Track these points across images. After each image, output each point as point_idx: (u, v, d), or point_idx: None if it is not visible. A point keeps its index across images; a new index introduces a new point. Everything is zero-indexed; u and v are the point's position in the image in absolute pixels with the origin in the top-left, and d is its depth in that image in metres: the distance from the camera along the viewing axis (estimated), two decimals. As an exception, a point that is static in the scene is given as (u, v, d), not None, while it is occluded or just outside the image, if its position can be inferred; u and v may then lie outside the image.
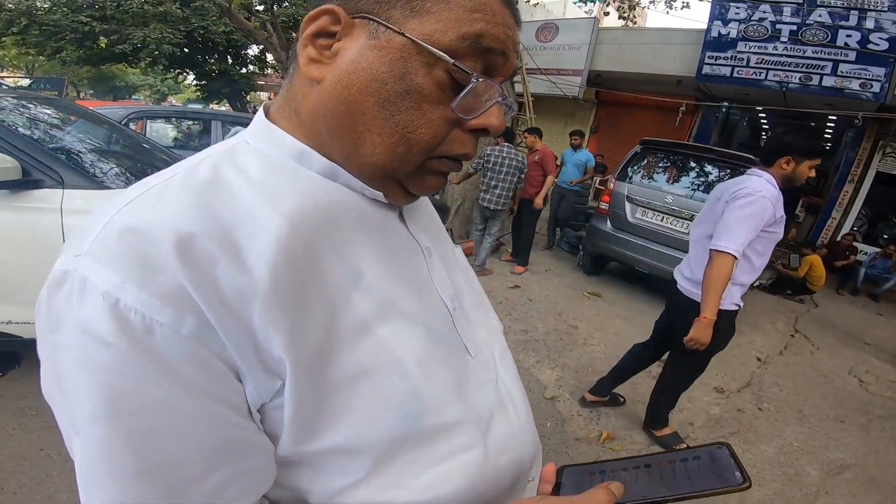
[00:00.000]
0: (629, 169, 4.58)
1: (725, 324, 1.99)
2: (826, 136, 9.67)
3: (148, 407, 0.29)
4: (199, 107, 14.79)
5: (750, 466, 2.34)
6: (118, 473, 0.30)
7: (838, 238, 7.08)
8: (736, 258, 1.68)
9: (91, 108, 3.75)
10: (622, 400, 2.69)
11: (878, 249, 6.78)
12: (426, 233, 0.48)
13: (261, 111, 0.42)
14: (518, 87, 6.58)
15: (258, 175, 0.36)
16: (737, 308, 1.97)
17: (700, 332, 1.81)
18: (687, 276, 2.05)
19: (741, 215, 1.68)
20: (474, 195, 4.67)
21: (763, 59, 7.40)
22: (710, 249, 1.74)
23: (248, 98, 16.17)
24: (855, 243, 6.85)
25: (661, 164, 4.53)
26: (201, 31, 12.35)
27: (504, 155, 4.04)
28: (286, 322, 0.32)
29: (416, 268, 0.43)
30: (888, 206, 8.06)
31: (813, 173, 1.80)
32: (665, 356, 2.39)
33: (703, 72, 7.94)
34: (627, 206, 4.39)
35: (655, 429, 2.45)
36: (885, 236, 7.77)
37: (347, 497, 0.38)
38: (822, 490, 2.24)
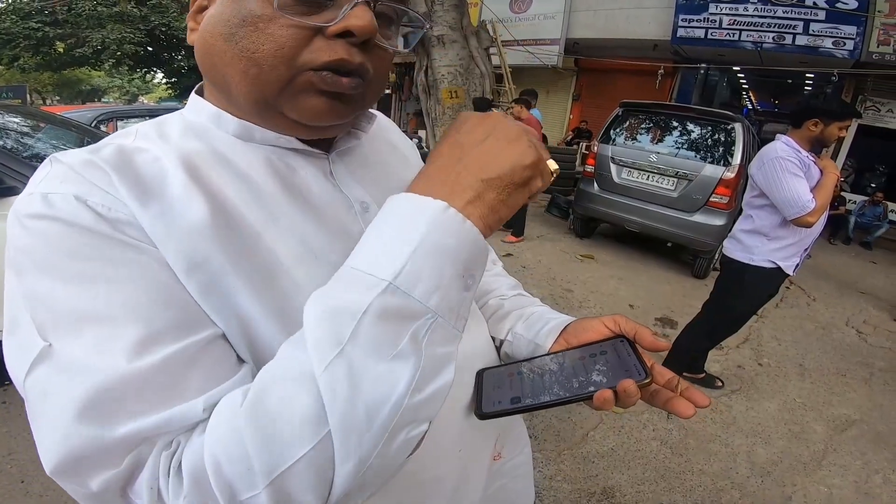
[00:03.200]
0: (612, 131, 4.65)
1: (755, 279, 2.02)
2: (805, 92, 9.73)
3: (77, 257, 0.31)
4: (174, 104, 14.43)
5: (755, 424, 2.32)
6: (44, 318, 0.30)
7: (827, 190, 7.17)
8: (811, 208, 1.78)
9: (58, 112, 3.62)
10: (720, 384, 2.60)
11: (866, 198, 6.93)
12: (369, 187, 0.47)
13: (196, 89, 0.46)
14: (495, 60, 6.55)
15: (175, 138, 0.40)
16: (772, 266, 1.97)
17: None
18: (729, 236, 2.14)
19: (776, 179, 1.83)
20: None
21: (735, 21, 7.41)
22: (792, 222, 1.86)
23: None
24: (843, 193, 6.97)
25: (643, 125, 4.59)
26: (163, 29, 11.94)
27: None
28: (181, 261, 0.33)
29: (345, 222, 0.43)
30: (873, 156, 8.23)
31: (844, 133, 1.86)
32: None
33: (678, 35, 7.95)
34: (613, 167, 4.47)
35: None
36: (873, 185, 7.96)
37: None
38: (829, 447, 2.21)
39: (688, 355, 2.39)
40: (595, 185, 4.59)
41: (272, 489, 0.27)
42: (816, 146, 1.90)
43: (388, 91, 13.08)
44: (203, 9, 0.40)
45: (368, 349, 0.28)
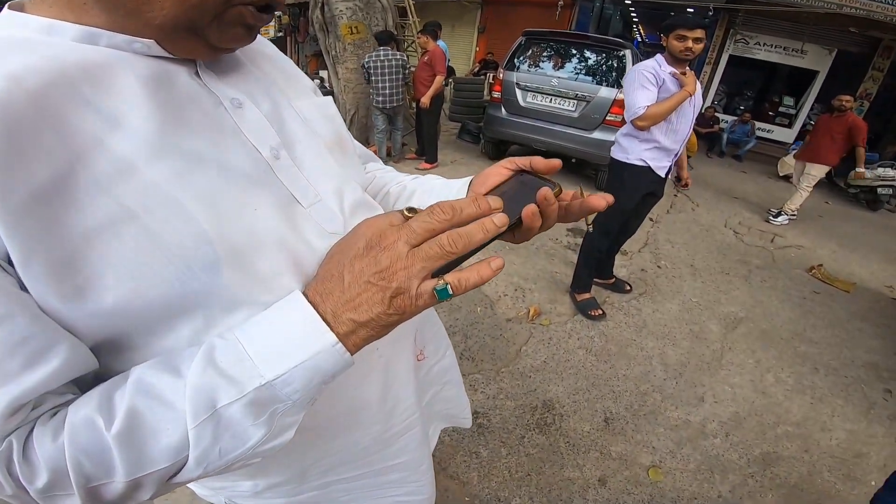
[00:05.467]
0: (516, 59, 4.77)
1: (631, 176, 2.20)
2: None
3: None
4: None
5: (662, 326, 2.48)
6: None
7: (703, 111, 7.95)
8: (640, 114, 2.02)
9: None
10: (629, 288, 2.82)
11: (736, 118, 7.87)
12: (240, 86, 0.46)
13: (7, 6, 0.40)
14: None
15: None
16: (644, 165, 2.16)
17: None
18: (614, 142, 2.35)
19: (629, 87, 2.09)
20: (366, 103, 4.77)
21: (625, -46, 7.55)
22: (631, 123, 2.11)
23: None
24: (717, 114, 7.89)
25: (544, 53, 4.71)
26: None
27: (381, 58, 4.32)
28: None
29: (214, 118, 0.43)
30: (741, 83, 9.28)
31: (689, 43, 1.96)
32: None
33: (574, -34, 7.97)
34: (518, 92, 4.64)
35: (577, 292, 2.56)
36: (742, 107, 9.03)
37: None
38: (725, 346, 2.40)
39: (593, 257, 2.50)
40: (502, 109, 4.75)
41: (129, 482, 0.34)
42: (674, 61, 2.05)
43: (280, 34, 12.10)
44: None
45: (237, 416, 0.35)
